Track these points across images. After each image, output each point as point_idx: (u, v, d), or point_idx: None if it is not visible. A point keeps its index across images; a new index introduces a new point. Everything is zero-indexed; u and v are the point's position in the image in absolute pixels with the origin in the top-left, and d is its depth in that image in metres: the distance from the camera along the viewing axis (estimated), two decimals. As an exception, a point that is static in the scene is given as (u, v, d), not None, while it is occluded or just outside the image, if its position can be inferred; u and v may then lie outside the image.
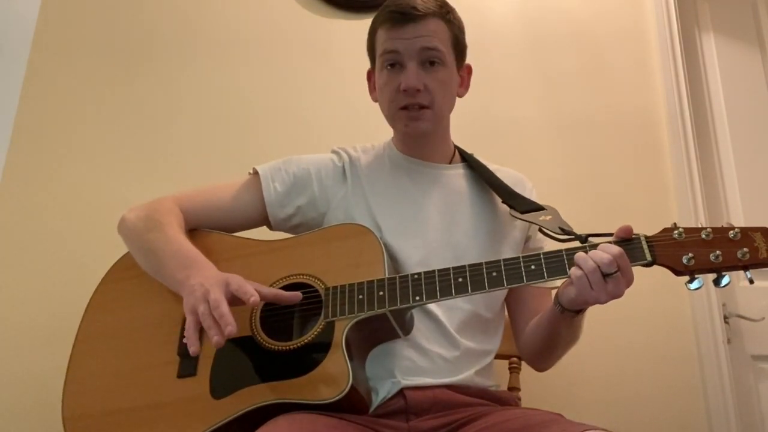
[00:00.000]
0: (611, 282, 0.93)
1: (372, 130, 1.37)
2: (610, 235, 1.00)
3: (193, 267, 1.04)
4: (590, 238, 1.00)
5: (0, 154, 1.68)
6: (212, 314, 0.94)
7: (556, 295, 1.03)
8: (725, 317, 1.81)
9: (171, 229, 1.11)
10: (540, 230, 1.13)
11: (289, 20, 1.93)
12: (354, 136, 1.43)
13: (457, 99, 1.26)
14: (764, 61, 2.18)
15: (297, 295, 1.03)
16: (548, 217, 1.12)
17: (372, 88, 1.28)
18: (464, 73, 1.26)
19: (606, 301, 0.95)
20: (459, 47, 1.22)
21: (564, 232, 1.07)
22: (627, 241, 0.97)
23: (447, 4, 1.21)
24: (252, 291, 0.97)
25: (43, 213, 1.66)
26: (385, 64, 1.18)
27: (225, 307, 0.95)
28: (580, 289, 0.94)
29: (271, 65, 1.89)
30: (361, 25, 1.90)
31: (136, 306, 1.14)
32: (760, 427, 1.77)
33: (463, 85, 1.27)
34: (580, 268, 0.94)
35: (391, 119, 1.22)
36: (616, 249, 0.94)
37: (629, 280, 0.95)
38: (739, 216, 1.98)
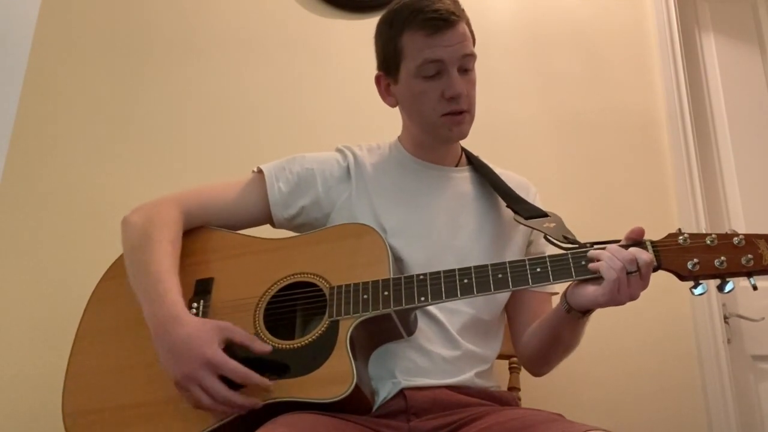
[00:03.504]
0: (632, 282, 0.94)
1: (373, 129, 1.37)
2: (616, 242, 1.00)
3: (163, 317, 1.00)
4: (594, 246, 1.00)
5: (0, 155, 1.68)
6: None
7: (563, 294, 1.03)
8: (725, 317, 1.82)
9: (158, 251, 1.08)
10: (545, 238, 1.13)
11: (289, 20, 1.93)
12: (354, 136, 1.43)
13: None
14: (764, 61, 2.19)
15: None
16: (552, 225, 1.12)
17: (385, 94, 1.24)
18: None
19: (625, 302, 0.96)
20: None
21: (567, 240, 1.07)
22: (634, 245, 0.97)
23: (459, 2, 1.19)
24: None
25: (43, 213, 1.66)
26: (422, 73, 1.14)
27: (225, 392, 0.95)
28: (611, 290, 0.94)
29: (272, 65, 1.88)
30: (361, 25, 1.91)
31: (137, 302, 1.13)
32: (760, 427, 1.77)
33: None
34: (614, 269, 0.93)
35: (431, 126, 1.19)
36: (645, 254, 0.95)
37: (645, 285, 0.96)
38: (739, 216, 1.98)
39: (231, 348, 0.99)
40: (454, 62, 1.13)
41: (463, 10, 1.17)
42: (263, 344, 1.00)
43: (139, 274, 1.07)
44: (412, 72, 1.15)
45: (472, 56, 1.16)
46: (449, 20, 1.11)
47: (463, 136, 1.20)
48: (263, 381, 0.96)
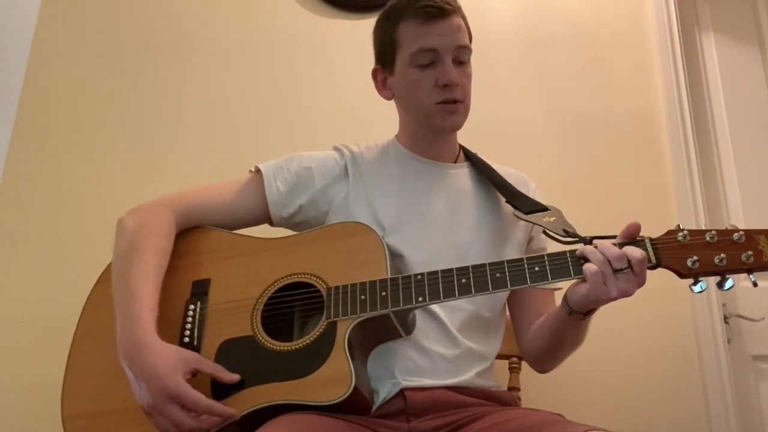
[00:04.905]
0: (622, 278, 0.93)
1: (372, 129, 1.36)
2: (615, 237, 0.99)
3: (131, 341, 0.99)
4: (594, 241, 0.99)
5: (0, 155, 1.68)
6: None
7: (564, 297, 1.03)
8: (725, 317, 1.81)
9: (141, 265, 1.06)
10: (544, 232, 1.12)
11: (289, 20, 1.93)
12: (354, 136, 1.42)
13: None
14: (764, 61, 2.19)
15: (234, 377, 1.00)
16: (552, 219, 1.11)
17: (382, 87, 1.25)
18: None
19: (616, 297, 0.94)
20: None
21: (568, 234, 1.06)
22: (632, 243, 0.96)
23: None
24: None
25: (43, 213, 1.66)
26: (416, 62, 1.15)
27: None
28: (593, 284, 0.93)
29: (271, 65, 1.88)
30: (361, 25, 1.91)
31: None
32: (760, 427, 1.77)
33: None
34: (593, 262, 0.93)
35: (425, 115, 1.19)
36: (637, 251, 0.93)
37: (641, 282, 0.94)
38: (739, 216, 1.98)
39: (224, 351, 1.00)
40: (448, 52, 1.14)
41: (459, 5, 1.18)
42: (231, 374, 1.00)
43: (119, 287, 1.06)
44: (407, 61, 1.16)
45: (467, 49, 1.17)
46: (444, 9, 1.13)
47: (457, 126, 1.21)
48: (226, 411, 0.95)
